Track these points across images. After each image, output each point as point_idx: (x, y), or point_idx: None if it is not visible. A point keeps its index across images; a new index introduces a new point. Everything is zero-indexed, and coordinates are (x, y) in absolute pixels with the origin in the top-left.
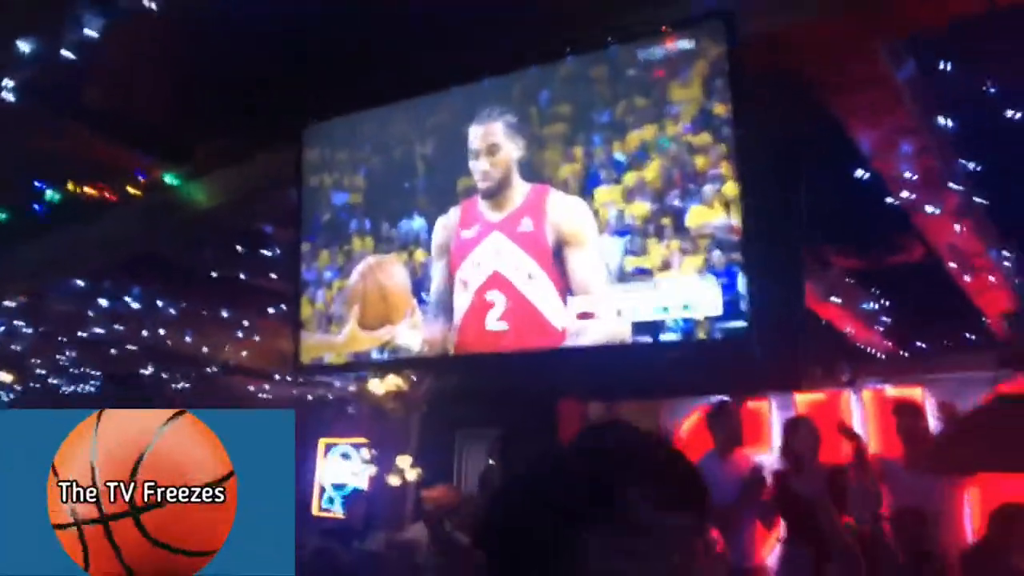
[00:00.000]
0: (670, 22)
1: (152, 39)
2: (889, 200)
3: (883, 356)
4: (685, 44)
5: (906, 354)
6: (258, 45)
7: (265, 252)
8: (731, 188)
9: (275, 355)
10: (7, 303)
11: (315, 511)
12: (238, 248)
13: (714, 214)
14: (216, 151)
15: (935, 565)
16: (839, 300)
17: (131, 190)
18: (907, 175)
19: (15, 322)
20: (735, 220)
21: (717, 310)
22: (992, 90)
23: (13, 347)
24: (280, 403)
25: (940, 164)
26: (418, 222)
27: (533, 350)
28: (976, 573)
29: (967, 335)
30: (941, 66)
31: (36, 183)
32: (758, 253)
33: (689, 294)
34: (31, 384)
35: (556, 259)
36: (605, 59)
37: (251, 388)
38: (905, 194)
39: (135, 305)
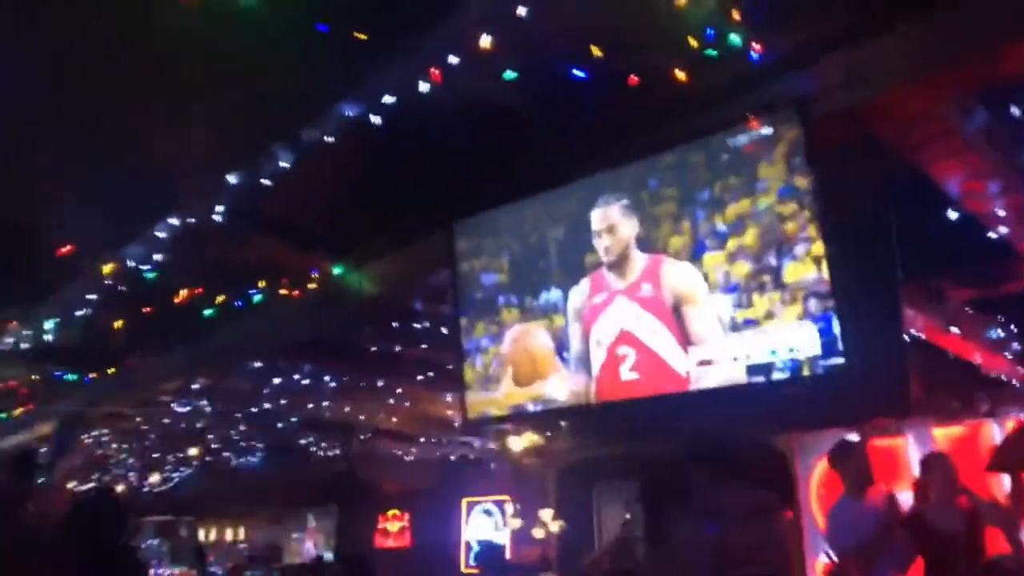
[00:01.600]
0: (753, 110)
1: (326, 159)
2: (990, 235)
3: (1020, 383)
4: (766, 129)
5: None
6: (411, 157)
7: (416, 325)
8: (818, 247)
9: (420, 420)
10: (195, 386)
11: (463, 568)
12: (393, 324)
13: (806, 269)
14: (378, 246)
15: None
16: (959, 331)
17: (309, 285)
18: (999, 212)
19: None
20: (825, 273)
21: (817, 350)
22: None
23: (197, 424)
24: (424, 464)
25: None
26: (555, 294)
27: (663, 395)
28: None
29: None
30: (1013, 110)
31: (238, 285)
32: (849, 300)
33: (792, 338)
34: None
35: (675, 316)
36: (702, 147)
37: (398, 452)
38: (1003, 229)
39: (304, 381)
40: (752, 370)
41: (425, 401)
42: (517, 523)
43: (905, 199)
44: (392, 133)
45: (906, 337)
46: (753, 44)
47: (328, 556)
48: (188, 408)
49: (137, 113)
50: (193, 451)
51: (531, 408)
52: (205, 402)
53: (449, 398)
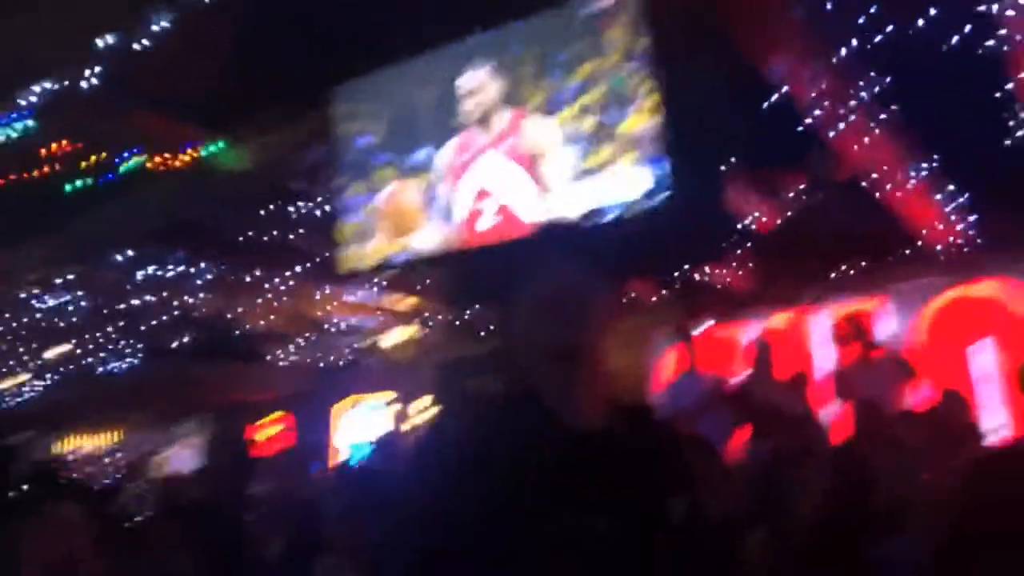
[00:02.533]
0: None
1: (202, 25)
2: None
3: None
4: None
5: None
6: (288, 26)
7: (291, 209)
8: (654, 100)
9: (296, 319)
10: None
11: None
12: (270, 207)
13: (643, 119)
14: (254, 120)
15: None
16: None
17: (181, 161)
18: (813, 96)
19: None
20: (659, 122)
21: (648, 186)
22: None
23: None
24: (298, 369)
25: (842, 84)
26: (427, 152)
27: (513, 240)
28: None
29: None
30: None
31: (108, 158)
32: (680, 147)
33: (627, 181)
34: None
35: (532, 167)
36: (557, 14)
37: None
38: (817, 113)
39: (176, 269)
40: (591, 212)
41: (300, 298)
42: (393, 409)
43: (737, 79)
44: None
45: (724, 193)
46: None
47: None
48: (52, 303)
49: None
50: (56, 353)
51: (400, 257)
52: (69, 296)
53: (326, 291)
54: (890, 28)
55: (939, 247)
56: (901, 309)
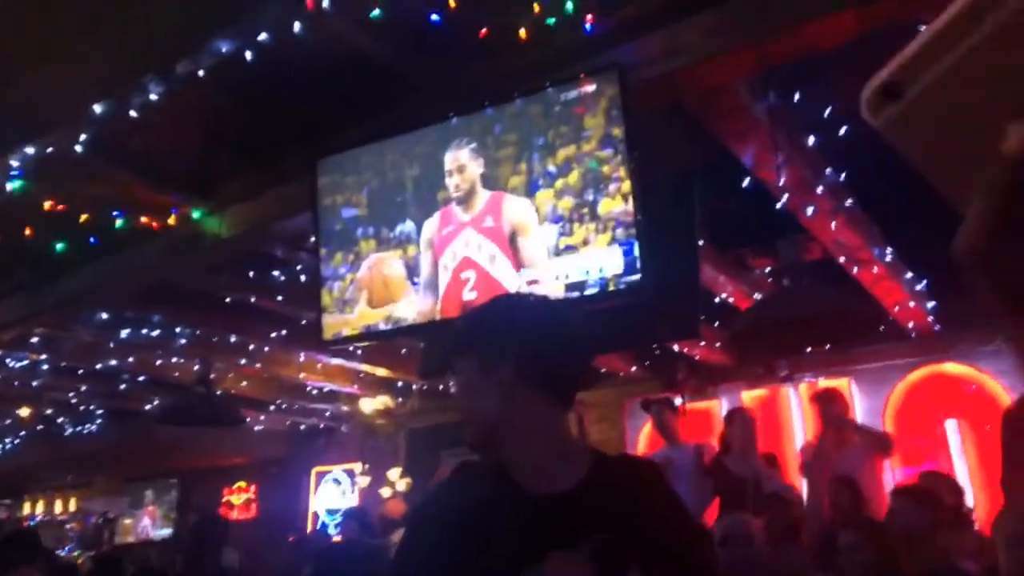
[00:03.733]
0: (583, 71)
1: (193, 96)
2: (780, 206)
3: (811, 352)
4: (592, 87)
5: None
6: (275, 99)
7: (274, 273)
8: (627, 185)
9: (273, 384)
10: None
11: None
12: (250, 273)
13: (616, 204)
14: (239, 188)
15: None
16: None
17: (167, 225)
18: (782, 182)
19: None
20: (630, 207)
21: (620, 269)
22: (838, 112)
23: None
24: (273, 434)
25: (808, 174)
26: (409, 225)
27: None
28: None
29: (877, 327)
30: (795, 95)
31: (93, 221)
32: (651, 231)
33: (602, 261)
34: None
35: (511, 243)
36: (540, 100)
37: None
38: (786, 197)
39: (153, 333)
40: (569, 287)
41: (278, 363)
42: (366, 480)
43: (710, 164)
44: (259, 74)
45: (697, 272)
46: (586, 16)
47: (164, 532)
48: (23, 363)
49: (5, 38)
50: (24, 412)
51: (383, 327)
52: (44, 356)
53: (303, 358)
54: (847, 127)
55: (907, 328)
56: (872, 387)
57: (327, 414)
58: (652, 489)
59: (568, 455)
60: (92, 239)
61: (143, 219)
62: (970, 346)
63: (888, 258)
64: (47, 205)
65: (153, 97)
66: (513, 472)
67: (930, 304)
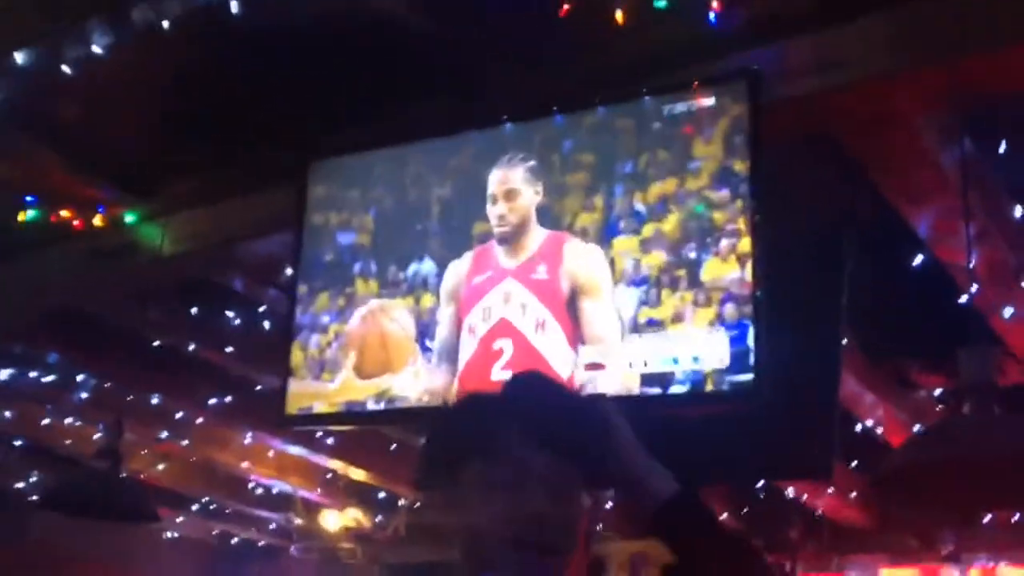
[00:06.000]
0: (699, 78)
1: (148, 59)
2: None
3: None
4: (709, 101)
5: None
6: (263, 74)
7: (228, 314)
8: (745, 244)
9: (202, 473)
10: None
11: None
12: (193, 310)
13: (728, 268)
14: (194, 190)
15: None
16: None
17: (88, 226)
18: (971, 265)
19: None
20: (748, 275)
21: (725, 363)
22: None
23: None
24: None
25: (1011, 257)
26: (428, 266)
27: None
28: None
29: None
30: (1001, 144)
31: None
32: (775, 313)
33: (699, 346)
34: None
35: (569, 308)
36: (632, 112)
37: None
38: (975, 289)
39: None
40: (647, 379)
41: (214, 444)
42: None
43: (868, 231)
44: (246, 33)
45: (837, 384)
46: (711, 2)
47: None
48: None
49: None
50: None
51: (372, 406)
52: None
53: (249, 439)
54: None
55: None
56: None
57: (272, 526)
58: None
59: None
60: None
61: (56, 217)
62: None
63: None
64: None
65: (96, 50)
66: None
67: None
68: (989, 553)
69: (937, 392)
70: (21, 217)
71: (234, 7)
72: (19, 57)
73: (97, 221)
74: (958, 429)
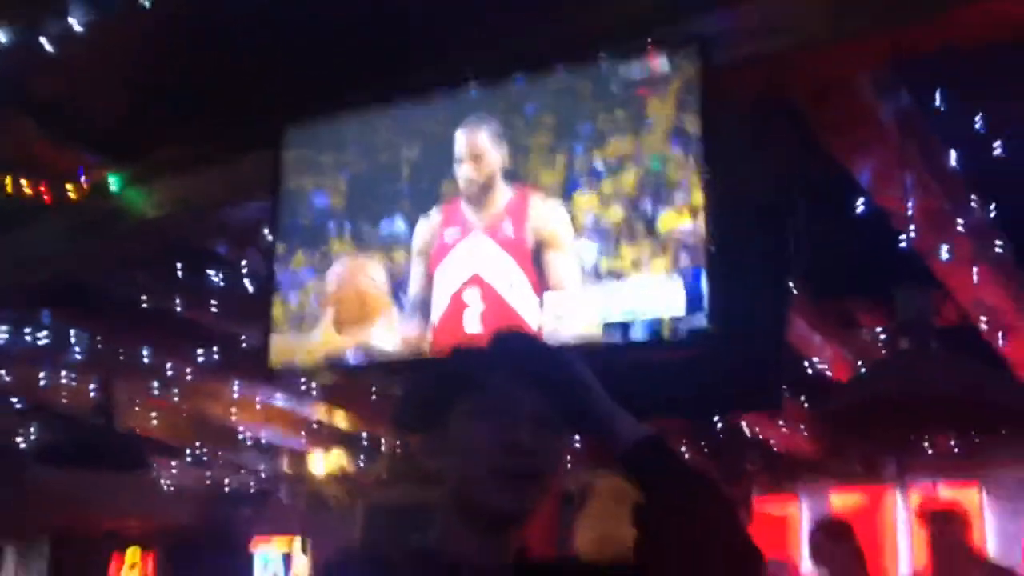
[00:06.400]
0: (653, 41)
1: (128, 29)
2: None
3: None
4: (663, 63)
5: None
6: (238, 44)
7: (210, 273)
8: (698, 197)
9: (193, 424)
10: None
11: None
12: (178, 270)
13: (682, 219)
14: (176, 155)
15: None
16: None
17: (72, 196)
18: (909, 212)
19: None
20: (701, 225)
21: (681, 310)
22: (992, 125)
23: None
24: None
25: (947, 204)
26: (399, 224)
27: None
28: None
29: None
30: (937, 99)
31: None
32: (726, 260)
33: (656, 293)
34: None
35: (535, 260)
36: (591, 75)
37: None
38: (913, 233)
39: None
40: (609, 327)
41: (204, 397)
42: (304, 568)
43: (814, 182)
44: (223, 6)
45: (785, 325)
46: None
47: None
48: None
49: None
50: None
51: (351, 358)
52: None
53: (237, 392)
54: (1002, 145)
55: None
56: (1011, 504)
57: (261, 472)
58: None
59: None
60: None
61: (43, 186)
62: None
63: None
64: None
65: (75, 26)
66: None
67: None
68: (929, 475)
69: (879, 331)
70: (9, 188)
71: None
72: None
73: (83, 187)
74: (898, 366)
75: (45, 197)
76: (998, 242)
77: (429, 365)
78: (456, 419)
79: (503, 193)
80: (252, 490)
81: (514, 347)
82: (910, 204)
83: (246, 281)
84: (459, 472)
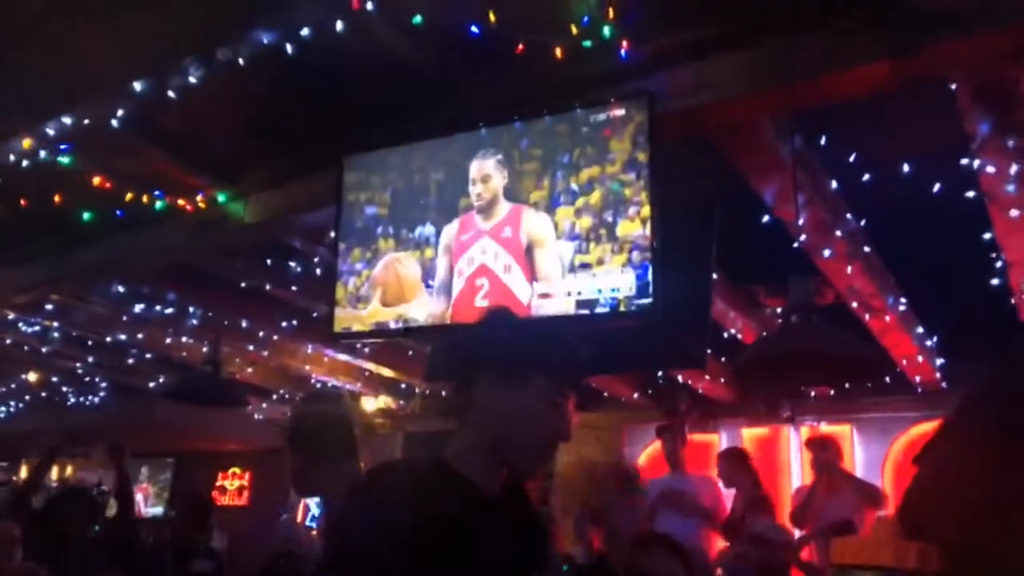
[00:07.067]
0: (614, 96)
1: (230, 83)
2: (796, 246)
3: (815, 395)
4: (621, 111)
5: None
6: (310, 94)
7: (291, 264)
8: (646, 210)
9: (278, 373)
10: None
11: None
12: (267, 261)
13: (634, 227)
14: (265, 177)
15: None
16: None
17: (191, 207)
18: (800, 222)
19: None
20: (648, 231)
21: (633, 292)
22: (863, 159)
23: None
24: (274, 422)
25: (828, 217)
26: (429, 229)
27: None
28: None
29: (884, 377)
30: (822, 140)
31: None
32: (666, 257)
33: (615, 281)
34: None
35: (527, 255)
36: (568, 119)
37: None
38: (803, 237)
39: (167, 311)
40: (581, 304)
41: (286, 353)
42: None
43: (730, 199)
44: (297, 66)
45: (709, 304)
46: (622, 42)
47: (156, 511)
48: (35, 328)
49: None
50: (31, 377)
51: (393, 325)
52: (56, 324)
53: (310, 350)
54: (869, 175)
55: (914, 382)
56: (874, 437)
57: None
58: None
59: None
60: (119, 212)
61: (170, 199)
62: None
63: (901, 308)
64: (79, 175)
65: (192, 80)
66: (463, 471)
67: (939, 361)
68: (814, 416)
69: (777, 309)
70: (146, 200)
71: (289, 48)
72: (136, 86)
73: (198, 202)
74: (788, 331)
75: (174, 206)
76: (867, 247)
77: (449, 331)
78: (529, 395)
79: (504, 207)
80: None
81: (503, 321)
82: (801, 216)
83: (317, 269)
84: (511, 437)
